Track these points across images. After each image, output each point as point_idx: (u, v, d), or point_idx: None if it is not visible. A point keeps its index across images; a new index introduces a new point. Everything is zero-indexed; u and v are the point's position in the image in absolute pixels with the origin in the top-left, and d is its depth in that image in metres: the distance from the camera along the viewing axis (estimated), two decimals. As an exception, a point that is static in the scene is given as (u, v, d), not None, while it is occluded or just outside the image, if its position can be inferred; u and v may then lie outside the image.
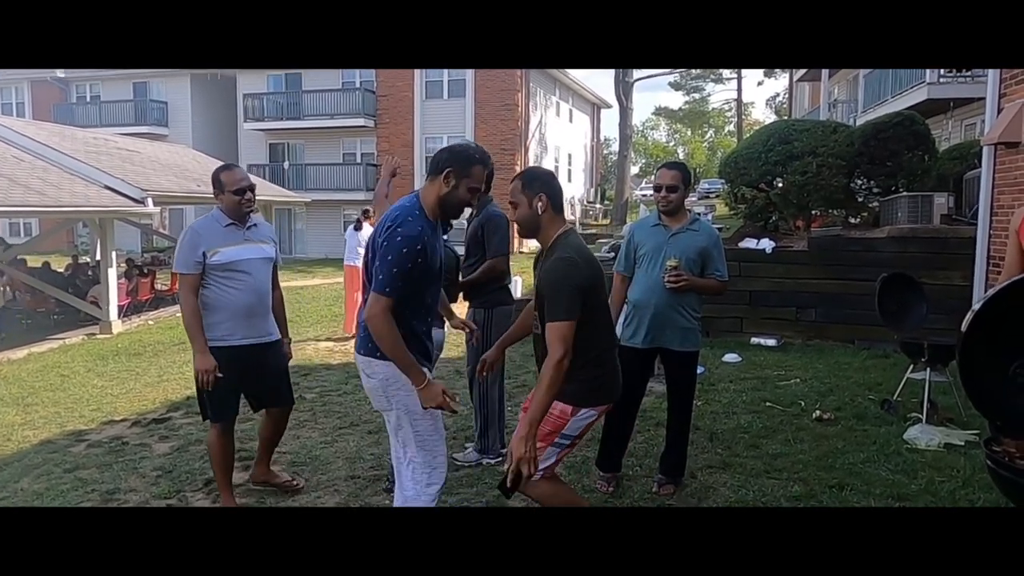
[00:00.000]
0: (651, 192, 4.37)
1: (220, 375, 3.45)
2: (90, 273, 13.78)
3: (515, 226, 2.90)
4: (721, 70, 41.28)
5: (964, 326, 2.57)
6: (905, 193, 8.20)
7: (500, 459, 4.24)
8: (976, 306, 2.57)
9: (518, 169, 23.12)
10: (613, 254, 8.34)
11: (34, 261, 14.56)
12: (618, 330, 3.81)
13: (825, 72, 19.46)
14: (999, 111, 6.04)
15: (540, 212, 2.65)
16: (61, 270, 14.17)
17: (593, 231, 23.84)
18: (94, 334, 11.13)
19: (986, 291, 5.32)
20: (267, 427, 3.96)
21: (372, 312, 2.49)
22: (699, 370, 6.20)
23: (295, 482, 4.06)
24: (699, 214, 5.99)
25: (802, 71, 22.40)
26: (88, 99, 28.06)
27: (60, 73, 27.84)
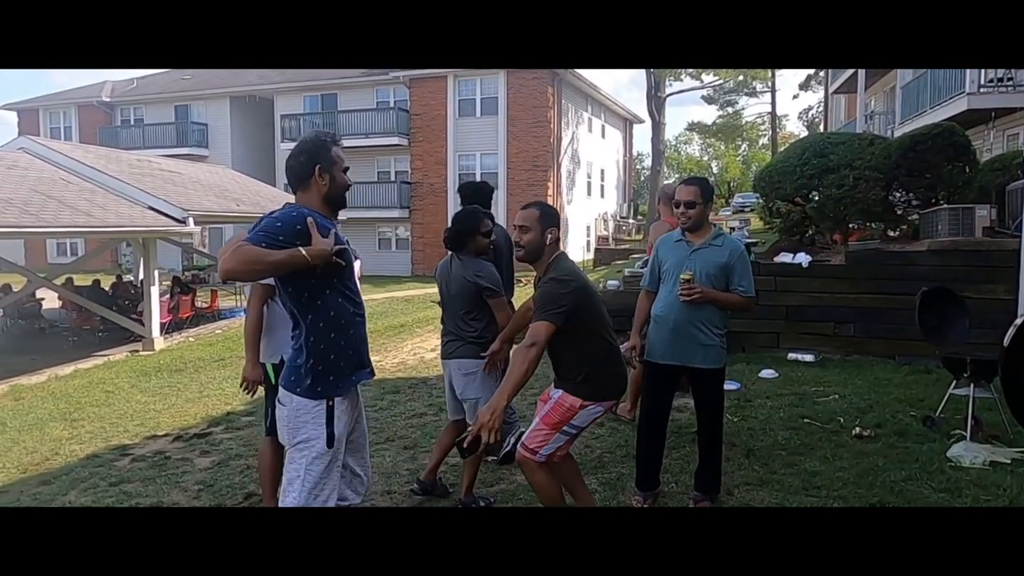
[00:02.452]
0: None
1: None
2: (133, 291, 14.13)
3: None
4: (755, 84, 40.98)
5: (1007, 340, 2.53)
6: (946, 205, 8.05)
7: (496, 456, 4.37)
8: (1019, 320, 2.53)
9: (551, 186, 23.23)
10: (643, 269, 8.33)
11: (81, 280, 14.99)
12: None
13: (861, 83, 19.19)
14: (1042, 121, 5.92)
15: (548, 243, 3.00)
16: (106, 288, 14.57)
17: (626, 246, 23.76)
18: (137, 351, 11.40)
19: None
20: None
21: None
22: (735, 386, 6.17)
23: None
24: (731, 228, 5.95)
25: (838, 83, 22.13)
26: (132, 122, 28.94)
27: (106, 97, 28.77)
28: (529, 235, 2.99)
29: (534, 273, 3.13)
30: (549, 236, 3.00)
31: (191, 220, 11.95)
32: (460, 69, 23.32)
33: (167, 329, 12.45)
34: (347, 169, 2.63)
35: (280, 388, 2.62)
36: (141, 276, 13.03)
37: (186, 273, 21.36)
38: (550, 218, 3.02)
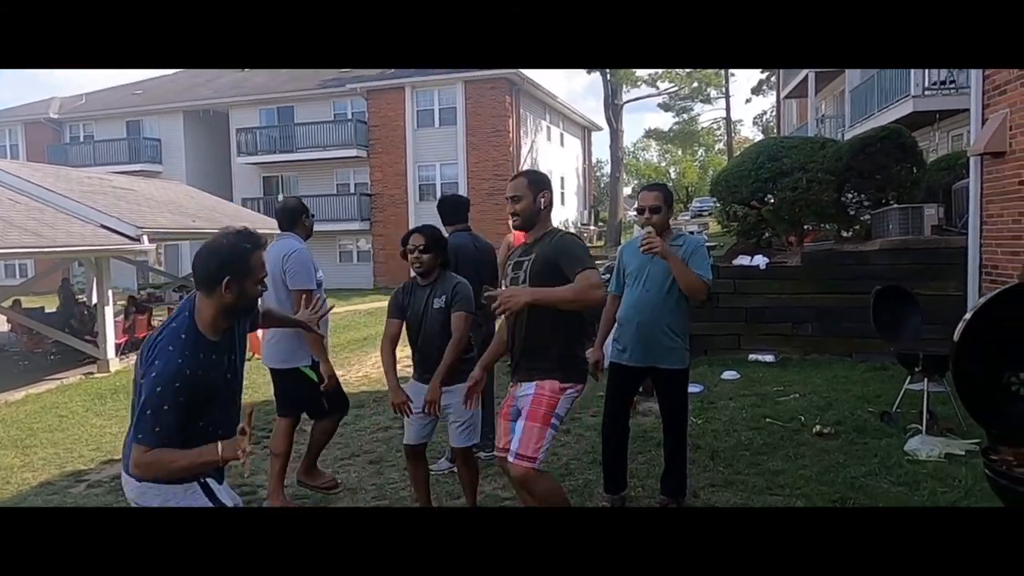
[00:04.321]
0: (634, 214, 4.43)
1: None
2: (86, 312, 13.76)
3: (510, 222, 3.13)
4: (709, 90, 41.64)
5: (956, 336, 2.60)
6: (895, 205, 8.27)
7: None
8: (967, 316, 2.61)
9: (511, 194, 23.26)
10: (608, 275, 8.39)
11: (29, 302, 14.53)
12: (608, 348, 3.87)
13: (812, 88, 19.67)
14: (983, 122, 6.12)
15: (542, 207, 3.00)
16: (81, 299, 14.15)
17: (588, 253, 23.83)
18: (92, 373, 11.09)
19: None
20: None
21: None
22: (698, 388, 6.23)
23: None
24: (690, 232, 6.04)
25: (790, 88, 22.64)
26: (81, 139, 28.21)
27: (53, 114, 28.06)
28: (522, 203, 2.97)
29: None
30: (542, 200, 3.00)
31: (145, 238, 11.68)
32: (417, 79, 23.29)
33: (123, 350, 12.13)
34: (264, 278, 2.26)
35: (129, 479, 2.23)
36: (95, 297, 12.69)
37: (141, 292, 20.88)
38: (540, 183, 3.03)
